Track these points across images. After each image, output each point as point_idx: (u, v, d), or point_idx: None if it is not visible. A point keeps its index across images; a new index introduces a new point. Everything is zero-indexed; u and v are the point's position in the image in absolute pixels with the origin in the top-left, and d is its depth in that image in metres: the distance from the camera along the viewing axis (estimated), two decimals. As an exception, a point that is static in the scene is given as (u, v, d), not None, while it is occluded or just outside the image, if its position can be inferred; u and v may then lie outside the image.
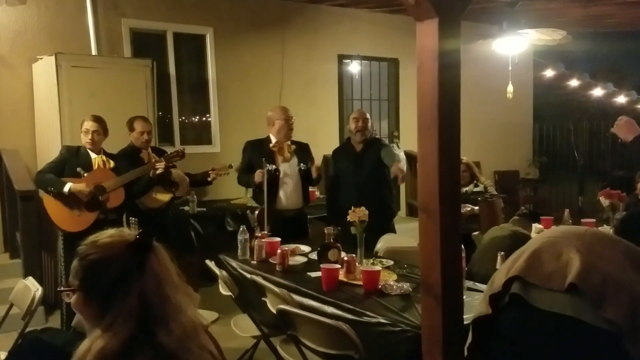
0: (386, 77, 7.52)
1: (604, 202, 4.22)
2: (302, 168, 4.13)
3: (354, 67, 7.20)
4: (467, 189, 4.84)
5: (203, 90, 6.31)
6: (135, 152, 4.15)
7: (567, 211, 4.10)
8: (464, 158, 5.03)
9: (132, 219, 4.00)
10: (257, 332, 2.94)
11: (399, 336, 2.09)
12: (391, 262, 3.08)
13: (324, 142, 6.43)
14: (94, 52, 5.32)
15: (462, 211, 4.58)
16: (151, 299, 1.20)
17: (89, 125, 3.89)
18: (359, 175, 4.19)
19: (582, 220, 4.14)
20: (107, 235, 1.28)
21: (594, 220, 4.14)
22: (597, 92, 5.79)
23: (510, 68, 4.58)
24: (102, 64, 5.09)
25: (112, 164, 3.97)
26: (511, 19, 4.23)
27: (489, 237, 3.66)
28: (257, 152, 4.09)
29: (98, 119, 3.91)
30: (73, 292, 1.25)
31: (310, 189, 4.45)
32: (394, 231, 4.37)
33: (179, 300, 1.24)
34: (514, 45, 4.50)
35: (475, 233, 4.32)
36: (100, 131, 3.90)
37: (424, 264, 1.61)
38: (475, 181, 4.91)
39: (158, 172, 3.95)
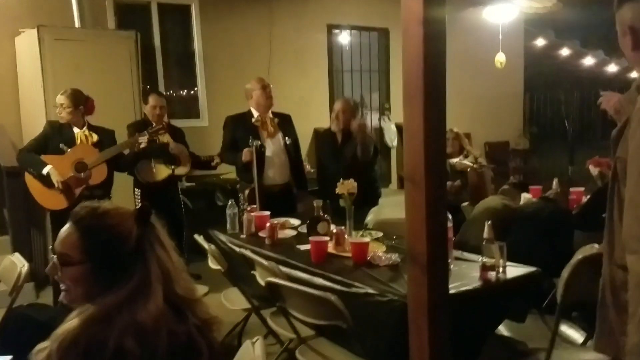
0: (377, 48, 7.44)
1: (593, 170, 4.23)
2: (287, 142, 4.08)
3: (343, 38, 7.10)
4: (456, 159, 4.83)
5: (189, 63, 6.21)
6: (143, 125, 4.11)
7: (555, 180, 4.10)
8: (454, 129, 5.01)
9: (137, 191, 4.02)
10: (247, 305, 2.95)
11: (387, 306, 2.10)
12: (380, 234, 3.08)
13: (314, 113, 6.38)
14: (77, 24, 5.20)
15: (450, 182, 4.63)
16: (165, 266, 1.22)
17: (57, 99, 3.85)
18: (340, 166, 4.08)
19: (570, 189, 4.16)
20: (104, 206, 1.27)
21: (583, 189, 4.16)
22: (588, 60, 5.74)
23: (500, 37, 4.53)
24: (86, 36, 4.99)
25: (95, 137, 3.92)
26: (501, -15, 4.17)
27: (481, 207, 3.68)
28: (240, 127, 4.01)
29: (67, 93, 3.85)
30: (74, 264, 1.21)
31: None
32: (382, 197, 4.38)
33: (180, 267, 1.27)
34: (504, 13, 4.43)
35: (465, 204, 4.34)
36: (68, 105, 3.82)
37: (409, 234, 1.60)
38: (464, 152, 4.90)
39: (142, 146, 3.91)
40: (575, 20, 6.84)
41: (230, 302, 3.07)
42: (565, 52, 5.67)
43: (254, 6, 6.35)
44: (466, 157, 4.84)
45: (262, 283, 2.51)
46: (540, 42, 5.47)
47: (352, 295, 2.25)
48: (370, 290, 2.20)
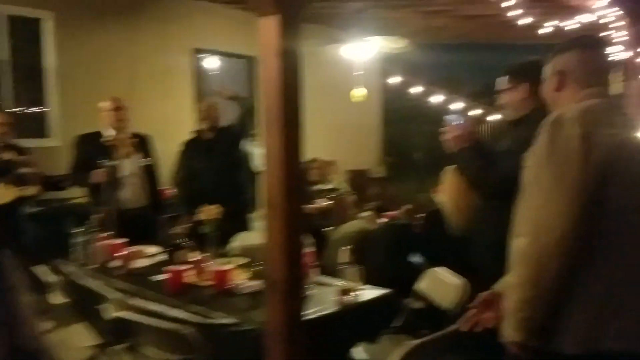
0: (243, 75, 7.48)
1: (438, 198, 4.62)
2: (145, 164, 3.90)
3: (211, 62, 7.03)
4: (319, 186, 4.99)
5: (42, 79, 5.71)
6: None
7: (405, 207, 4.40)
8: (320, 157, 5.19)
9: None
10: (97, 342, 2.73)
11: (245, 335, 2.06)
12: (245, 260, 3.05)
13: (179, 136, 6.18)
14: None
15: (314, 206, 4.76)
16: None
17: None
18: (211, 166, 4.03)
19: (417, 215, 4.48)
20: None
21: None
22: (436, 98, 6.30)
23: (358, 73, 4.80)
24: None
25: None
26: (359, 25, 4.44)
27: (341, 232, 3.83)
28: (92, 147, 3.76)
29: None
30: None
31: (163, 186, 4.25)
32: (249, 222, 4.32)
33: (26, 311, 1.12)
34: (362, 50, 4.72)
35: (328, 229, 4.48)
36: None
37: (268, 261, 1.61)
38: (327, 179, 5.08)
39: None
40: (426, 61, 7.52)
41: (77, 339, 2.82)
42: (416, 89, 6.16)
43: (117, 24, 6.06)
44: (328, 184, 5.01)
45: (111, 317, 2.34)
46: (395, 79, 5.89)
47: (209, 326, 2.18)
48: (229, 320, 2.15)
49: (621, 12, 3.67)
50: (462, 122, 2.84)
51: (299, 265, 1.59)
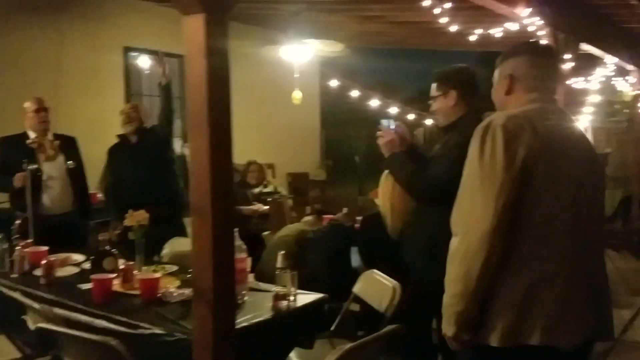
0: (176, 75, 7.28)
1: (377, 201, 4.68)
2: (70, 166, 3.71)
3: (142, 61, 6.81)
4: (257, 189, 4.93)
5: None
6: None
7: (344, 210, 4.42)
8: (257, 160, 5.12)
9: None
10: (18, 355, 2.57)
11: (175, 346, 1.98)
12: (175, 268, 2.95)
13: (109, 138, 5.94)
14: None
15: (252, 210, 4.69)
16: None
17: None
18: (137, 169, 3.88)
19: (357, 217, 4.51)
20: None
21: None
22: (373, 102, 6.39)
23: (296, 75, 4.78)
24: None
25: None
26: (296, 27, 4.43)
27: (278, 236, 3.78)
28: (14, 150, 3.58)
29: None
30: None
31: (91, 191, 4.06)
32: (184, 226, 4.18)
33: None
34: (299, 53, 4.71)
35: (266, 233, 4.42)
36: None
37: (196, 268, 1.55)
38: (265, 182, 5.03)
39: None
40: (362, 66, 7.64)
41: (-3, 353, 2.63)
42: (354, 93, 6.22)
43: (42, 21, 5.75)
44: (266, 186, 4.96)
45: (34, 328, 2.20)
46: (333, 82, 5.93)
47: (137, 337, 2.08)
48: (157, 330, 2.06)
49: (542, 21, 3.86)
50: (394, 127, 2.89)
51: (229, 272, 1.54)
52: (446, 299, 1.57)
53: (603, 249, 1.82)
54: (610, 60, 5.49)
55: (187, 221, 4.24)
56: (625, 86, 6.70)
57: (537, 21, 3.84)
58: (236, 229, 2.24)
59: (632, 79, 6.59)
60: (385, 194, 3.06)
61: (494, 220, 1.47)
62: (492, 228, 1.47)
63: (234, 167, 6.42)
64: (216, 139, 1.42)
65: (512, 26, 4.08)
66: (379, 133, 2.77)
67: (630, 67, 6.34)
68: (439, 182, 2.50)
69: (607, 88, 6.39)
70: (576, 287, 1.57)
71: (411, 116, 7.15)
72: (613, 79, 6.27)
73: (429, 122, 7.38)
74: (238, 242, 2.32)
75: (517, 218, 1.51)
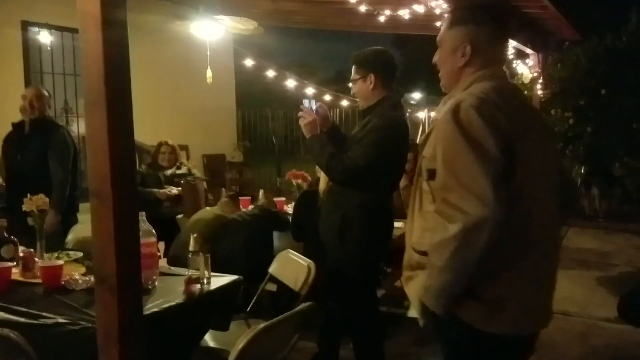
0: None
1: (294, 182, 4.71)
2: None
3: (43, 37, 6.33)
4: (170, 171, 4.77)
5: None
6: None
7: (261, 191, 4.40)
8: (169, 141, 4.94)
9: None
10: None
11: (79, 335, 1.90)
12: (80, 254, 2.80)
13: (6, 119, 5.51)
14: None
15: (164, 193, 4.54)
16: None
17: None
18: (31, 158, 3.66)
19: (274, 199, 4.52)
20: None
21: (285, 198, 4.57)
22: (290, 83, 6.37)
23: (208, 53, 4.65)
24: None
25: None
26: (206, 3, 4.29)
27: (193, 219, 3.68)
28: None
29: None
30: None
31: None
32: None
33: None
34: (211, 30, 4.57)
35: (180, 216, 4.30)
36: None
37: (97, 254, 1.48)
38: (178, 164, 4.87)
39: None
40: (278, 45, 7.56)
41: None
42: (270, 73, 6.16)
43: None
44: (179, 168, 4.81)
45: None
46: (249, 62, 5.83)
47: (40, 327, 1.97)
48: (61, 319, 1.96)
49: (446, 5, 3.99)
50: (316, 107, 2.89)
51: (133, 256, 1.48)
52: (435, 282, 1.46)
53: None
54: (511, 44, 5.82)
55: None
56: (524, 69, 7.12)
57: (443, 4, 3.96)
58: (142, 212, 2.17)
59: (530, 62, 7.04)
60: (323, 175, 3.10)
61: (495, 204, 1.35)
62: (492, 211, 1.35)
63: (145, 149, 6.17)
64: (115, 116, 1.35)
65: (419, 8, 4.18)
66: (300, 114, 2.76)
67: (528, 50, 6.76)
68: (356, 166, 2.54)
69: (508, 71, 6.76)
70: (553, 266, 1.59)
71: (328, 97, 7.21)
72: (513, 62, 6.64)
73: (345, 103, 7.51)
74: (146, 226, 2.25)
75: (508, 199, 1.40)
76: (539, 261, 1.51)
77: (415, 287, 1.57)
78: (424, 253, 1.53)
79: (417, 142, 1.75)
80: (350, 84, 2.80)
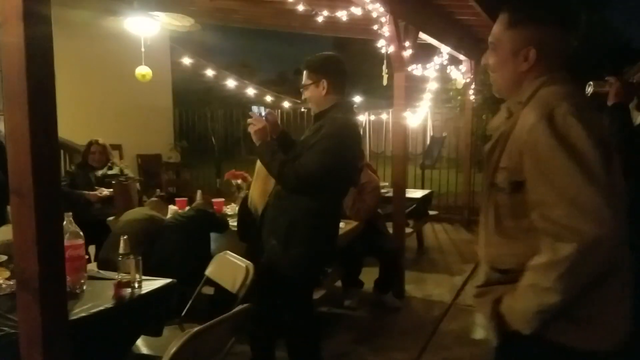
0: None
1: (234, 182, 4.65)
2: None
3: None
4: (101, 171, 4.60)
5: None
6: None
7: (199, 192, 4.32)
8: (100, 140, 4.76)
9: None
10: None
11: (2, 341, 1.80)
12: (5, 258, 2.65)
13: None
14: None
15: (94, 194, 4.37)
16: None
17: None
18: None
19: (213, 200, 4.43)
20: None
21: (224, 199, 4.50)
22: (230, 83, 6.28)
23: (143, 49, 4.51)
24: None
25: None
26: (142, -1, 4.18)
27: (124, 220, 3.56)
28: None
29: None
30: None
31: None
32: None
33: None
34: (146, 26, 4.44)
35: (111, 218, 4.15)
36: None
37: (18, 256, 1.40)
38: (110, 164, 4.70)
39: None
40: (218, 44, 7.44)
41: None
42: (210, 72, 6.06)
43: None
44: (110, 168, 4.64)
45: None
46: (186, 60, 5.70)
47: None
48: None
49: (382, 9, 4.07)
50: (265, 114, 2.87)
51: (57, 259, 1.42)
52: (533, 304, 1.35)
53: None
54: (445, 50, 6.01)
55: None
56: (457, 75, 7.38)
57: (379, 8, 4.03)
58: (69, 213, 2.08)
59: (463, 68, 7.31)
60: (257, 177, 3.08)
61: (612, 222, 1.23)
62: (610, 229, 1.23)
63: (75, 148, 5.89)
64: (36, 113, 1.28)
65: (356, 10, 4.23)
66: (249, 120, 2.73)
67: (462, 57, 7.02)
68: (309, 173, 2.54)
69: (442, 76, 6.98)
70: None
71: (269, 98, 7.17)
72: (448, 67, 6.87)
73: (286, 104, 7.50)
74: (73, 227, 2.16)
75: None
76: (623, 277, 1.41)
77: (491, 303, 1.46)
78: (505, 271, 1.45)
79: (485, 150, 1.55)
80: (301, 89, 2.79)
